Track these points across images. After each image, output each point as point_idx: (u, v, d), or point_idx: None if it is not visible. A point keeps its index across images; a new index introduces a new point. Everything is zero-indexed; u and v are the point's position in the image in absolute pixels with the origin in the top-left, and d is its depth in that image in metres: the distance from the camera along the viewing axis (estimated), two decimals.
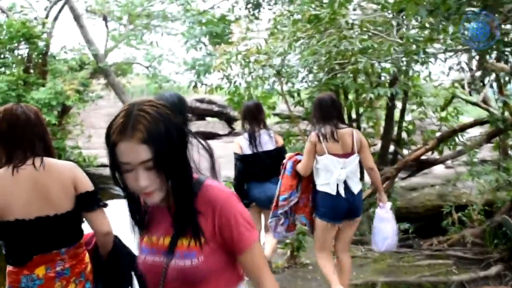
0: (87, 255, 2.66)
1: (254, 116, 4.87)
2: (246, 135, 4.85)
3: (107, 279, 2.73)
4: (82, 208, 2.53)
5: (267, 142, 4.82)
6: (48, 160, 2.48)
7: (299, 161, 4.27)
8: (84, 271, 2.59)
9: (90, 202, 2.54)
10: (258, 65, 5.89)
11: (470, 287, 4.67)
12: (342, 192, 4.04)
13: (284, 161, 4.37)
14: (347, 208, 4.10)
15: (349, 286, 4.69)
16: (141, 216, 1.73)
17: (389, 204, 4.44)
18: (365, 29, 5.22)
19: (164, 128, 1.49)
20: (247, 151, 4.76)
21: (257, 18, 8.08)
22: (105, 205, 2.64)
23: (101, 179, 13.58)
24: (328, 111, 4.14)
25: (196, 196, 1.62)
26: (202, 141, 2.85)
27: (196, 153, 2.91)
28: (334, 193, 4.04)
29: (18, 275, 2.42)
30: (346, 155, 4.10)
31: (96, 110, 34.12)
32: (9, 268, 2.47)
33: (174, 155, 1.51)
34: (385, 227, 4.39)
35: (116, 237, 2.74)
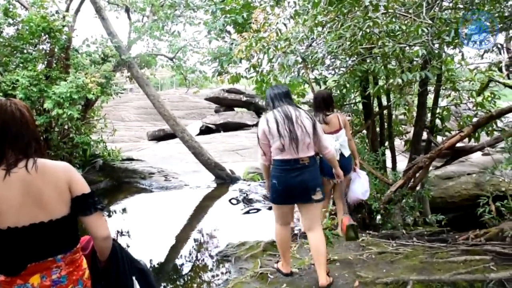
0: (84, 260, 2.49)
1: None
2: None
3: (107, 286, 2.58)
4: (78, 212, 2.35)
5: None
6: (40, 161, 2.28)
7: None
8: (82, 278, 2.42)
9: (86, 205, 2.36)
10: (279, 51, 5.65)
11: (510, 286, 4.28)
12: (338, 157, 5.64)
13: None
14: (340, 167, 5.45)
15: (379, 285, 4.53)
16: None
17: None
18: (391, 10, 4.90)
19: None
20: None
21: (280, 5, 7.79)
22: (103, 208, 2.46)
23: (126, 173, 13.58)
24: (319, 104, 5.87)
25: None
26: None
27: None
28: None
29: (11, 285, 2.26)
30: (336, 131, 5.86)
31: (126, 103, 34.56)
32: (0, 278, 2.29)
33: None
34: (366, 182, 6.08)
35: (115, 241, 2.58)
